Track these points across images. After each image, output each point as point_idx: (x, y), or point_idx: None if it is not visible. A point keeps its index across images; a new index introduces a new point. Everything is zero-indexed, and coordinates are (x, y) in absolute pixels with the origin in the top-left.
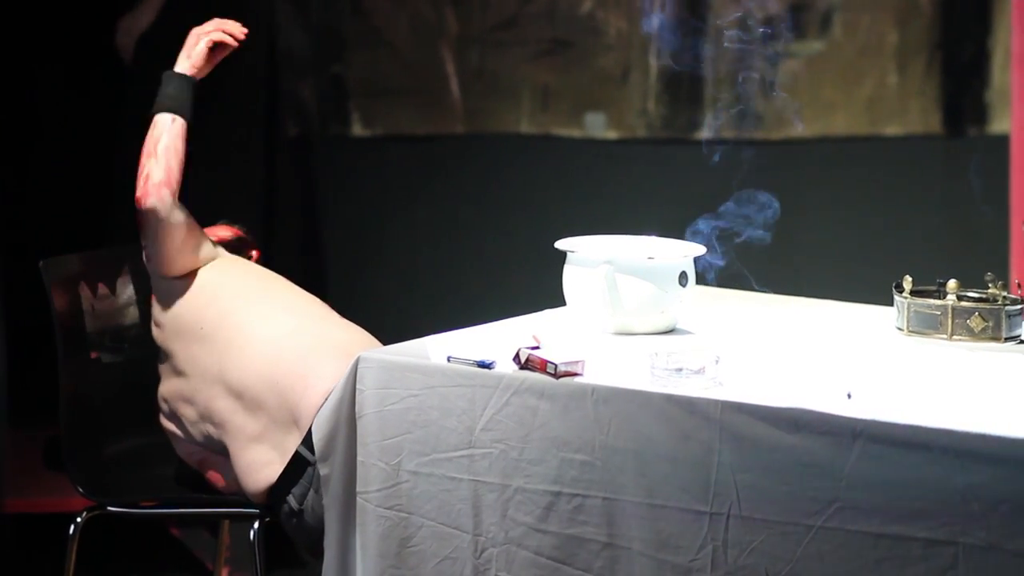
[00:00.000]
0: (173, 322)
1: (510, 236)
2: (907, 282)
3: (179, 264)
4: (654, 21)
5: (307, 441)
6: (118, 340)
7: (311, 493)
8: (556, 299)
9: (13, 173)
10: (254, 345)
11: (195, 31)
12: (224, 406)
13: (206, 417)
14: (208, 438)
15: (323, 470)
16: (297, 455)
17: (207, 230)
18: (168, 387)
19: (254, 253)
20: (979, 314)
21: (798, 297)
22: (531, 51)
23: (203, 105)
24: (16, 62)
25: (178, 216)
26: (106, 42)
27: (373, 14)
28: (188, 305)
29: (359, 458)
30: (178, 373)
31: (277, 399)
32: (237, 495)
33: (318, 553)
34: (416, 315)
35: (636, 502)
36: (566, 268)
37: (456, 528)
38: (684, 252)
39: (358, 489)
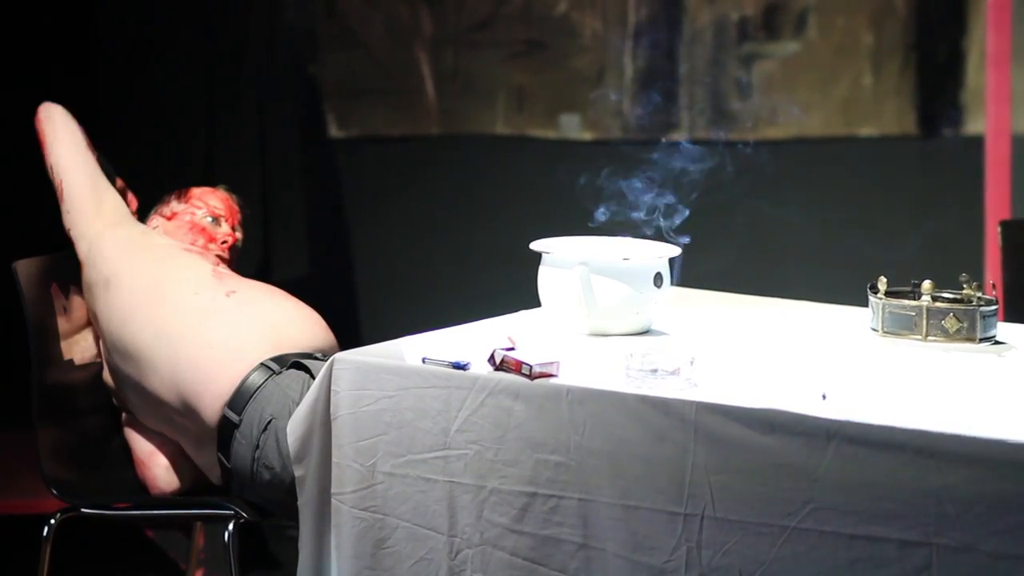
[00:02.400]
0: (105, 340)
1: (485, 237)
2: (882, 283)
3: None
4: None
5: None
6: (91, 341)
7: (261, 448)
8: (531, 300)
9: None
10: (157, 362)
11: None
12: (158, 414)
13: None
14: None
15: (298, 471)
16: (225, 421)
17: (201, 191)
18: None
19: (230, 237)
20: (954, 315)
21: (773, 298)
22: (506, 52)
23: (189, 107)
24: None
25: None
26: (77, 46)
27: (348, 15)
28: (108, 324)
29: (334, 459)
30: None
31: (187, 408)
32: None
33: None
34: (391, 316)
35: (611, 503)
36: (541, 269)
37: (431, 529)
38: (659, 253)
39: (333, 490)
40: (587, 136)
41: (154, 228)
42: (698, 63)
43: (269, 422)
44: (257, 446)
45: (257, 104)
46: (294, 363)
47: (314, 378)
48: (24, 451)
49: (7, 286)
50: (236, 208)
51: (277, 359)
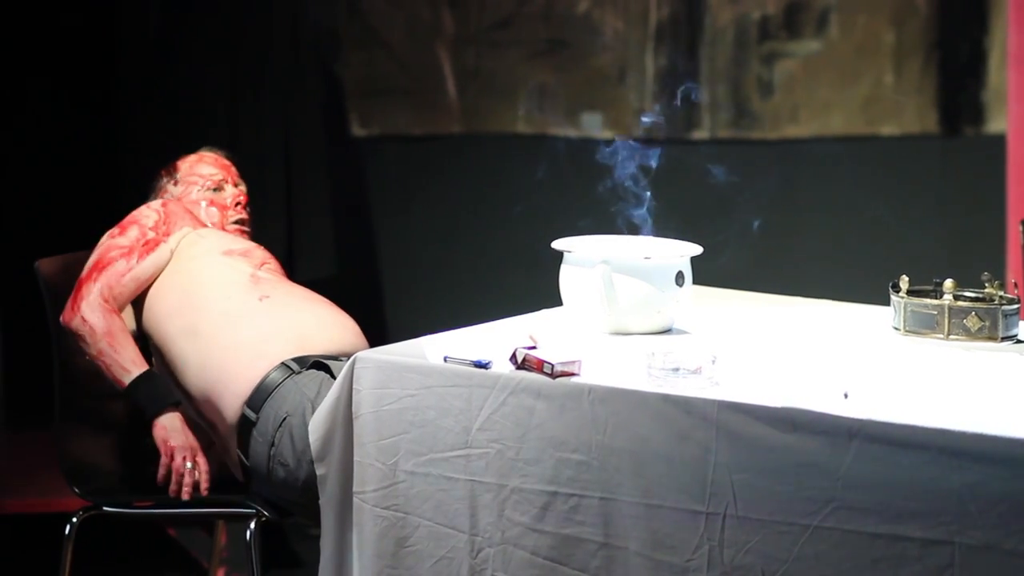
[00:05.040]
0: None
1: (507, 236)
2: (904, 282)
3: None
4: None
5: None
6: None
7: (276, 443)
8: (553, 299)
9: (8, 173)
10: (187, 360)
11: (176, 461)
12: (192, 408)
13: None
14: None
15: (320, 470)
16: (244, 419)
17: (188, 164)
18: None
19: (242, 197)
20: (976, 314)
21: (795, 297)
22: (527, 51)
23: (211, 106)
24: (11, 65)
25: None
26: (100, 44)
27: (370, 14)
28: (148, 317)
29: (356, 458)
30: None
31: (212, 406)
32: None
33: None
34: (413, 315)
35: (632, 502)
36: (563, 268)
37: (453, 528)
38: (681, 252)
39: (355, 489)
40: (608, 135)
41: (163, 203)
42: (719, 62)
43: (284, 419)
44: (273, 443)
45: (280, 103)
46: (315, 363)
47: (334, 378)
48: (46, 450)
49: (30, 285)
50: (227, 162)
51: (298, 359)
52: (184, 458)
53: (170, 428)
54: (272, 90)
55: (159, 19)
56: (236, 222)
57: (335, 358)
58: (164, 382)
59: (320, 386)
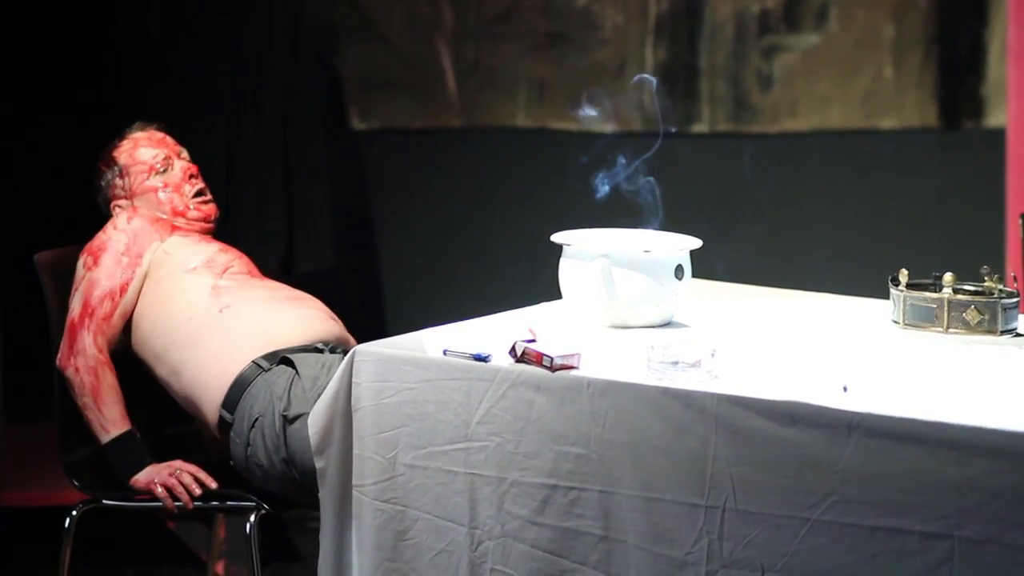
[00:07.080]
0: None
1: (506, 229)
2: (903, 275)
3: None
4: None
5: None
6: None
7: (252, 444)
8: (552, 292)
9: (8, 167)
10: (169, 368)
11: (173, 473)
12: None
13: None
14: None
15: (319, 463)
16: (222, 422)
17: (127, 155)
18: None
19: (183, 163)
20: (975, 307)
21: (794, 290)
22: (527, 44)
23: (211, 100)
24: (11, 62)
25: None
26: (100, 37)
27: (369, 7)
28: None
29: (355, 451)
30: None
31: (196, 412)
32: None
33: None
34: (412, 308)
35: (632, 495)
36: (562, 261)
37: (452, 521)
38: (680, 245)
39: (354, 482)
40: (608, 128)
41: (128, 220)
42: (719, 56)
43: (256, 420)
44: (248, 443)
45: (279, 97)
46: (283, 358)
47: (298, 372)
48: (46, 443)
49: (28, 278)
50: (162, 136)
51: (268, 356)
52: (169, 474)
53: (144, 477)
54: (271, 84)
55: (159, 16)
56: (196, 195)
57: (312, 348)
58: (139, 443)
59: (288, 382)
